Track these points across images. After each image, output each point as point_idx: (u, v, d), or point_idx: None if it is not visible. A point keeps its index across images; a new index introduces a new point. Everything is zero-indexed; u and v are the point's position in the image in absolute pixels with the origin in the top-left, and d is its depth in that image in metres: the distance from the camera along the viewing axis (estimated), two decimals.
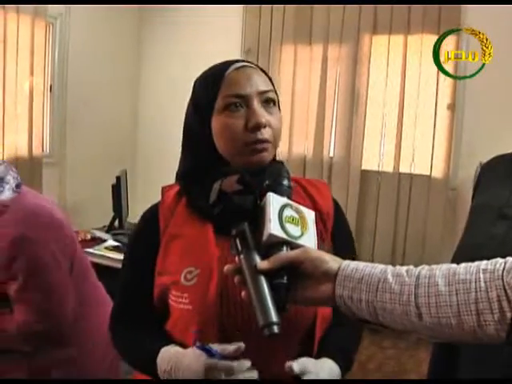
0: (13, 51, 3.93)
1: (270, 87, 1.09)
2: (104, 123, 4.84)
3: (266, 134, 1.04)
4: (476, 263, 0.80)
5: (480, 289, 0.76)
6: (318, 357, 1.04)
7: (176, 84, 4.76)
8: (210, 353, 0.94)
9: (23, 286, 1.54)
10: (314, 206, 1.11)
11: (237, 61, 1.11)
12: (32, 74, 4.09)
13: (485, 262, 0.79)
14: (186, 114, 1.14)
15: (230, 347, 0.95)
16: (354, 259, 1.01)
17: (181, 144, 1.17)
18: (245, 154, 1.05)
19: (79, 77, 4.53)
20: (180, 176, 1.16)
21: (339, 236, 1.15)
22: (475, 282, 0.77)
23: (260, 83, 1.07)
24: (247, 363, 0.95)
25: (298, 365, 0.95)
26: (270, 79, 1.12)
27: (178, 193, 1.13)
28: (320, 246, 0.94)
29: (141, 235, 1.17)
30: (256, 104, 1.05)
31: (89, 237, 3.49)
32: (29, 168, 4.11)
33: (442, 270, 0.81)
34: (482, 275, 0.77)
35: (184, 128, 1.15)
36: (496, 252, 0.81)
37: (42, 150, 4.43)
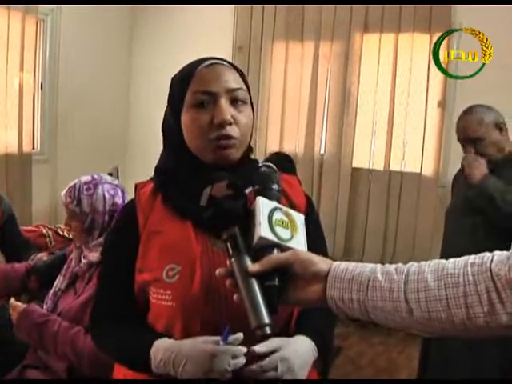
0: (3, 47, 3.90)
1: (241, 85, 1.09)
2: (95, 120, 4.81)
3: (231, 130, 1.04)
4: (464, 258, 0.81)
5: (468, 282, 0.77)
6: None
7: (167, 82, 4.74)
8: (225, 338, 0.95)
9: None
10: (287, 201, 1.11)
11: (210, 58, 1.11)
12: (22, 70, 4.05)
13: (472, 256, 0.81)
14: (164, 111, 1.16)
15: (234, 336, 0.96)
16: (324, 252, 1.01)
17: None
18: (210, 150, 1.05)
19: (70, 74, 4.49)
20: (157, 172, 1.16)
21: (311, 230, 1.14)
22: (463, 276, 0.78)
23: (230, 81, 1.07)
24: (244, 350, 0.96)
25: (262, 346, 0.96)
26: (244, 77, 1.12)
27: (153, 189, 1.13)
28: None
29: (119, 232, 1.16)
30: (224, 101, 1.05)
31: None
32: (19, 165, 4.08)
33: (430, 266, 0.82)
34: (469, 269, 0.78)
35: (162, 124, 1.17)
36: (471, 244, 0.83)
37: (33, 148, 4.39)
